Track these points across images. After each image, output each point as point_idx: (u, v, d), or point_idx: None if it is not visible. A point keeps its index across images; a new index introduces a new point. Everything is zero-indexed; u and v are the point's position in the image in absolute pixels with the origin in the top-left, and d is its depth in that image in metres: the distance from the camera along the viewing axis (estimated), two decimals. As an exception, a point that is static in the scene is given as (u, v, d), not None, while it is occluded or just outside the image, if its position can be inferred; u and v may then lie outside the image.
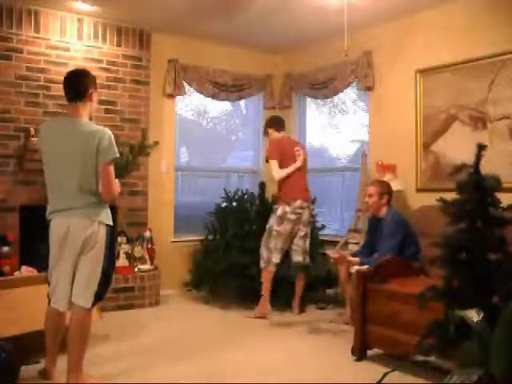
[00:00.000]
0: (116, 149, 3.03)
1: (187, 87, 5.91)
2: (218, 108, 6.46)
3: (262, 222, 4.97)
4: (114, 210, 5.32)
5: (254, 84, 6.33)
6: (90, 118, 3.20)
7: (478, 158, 2.28)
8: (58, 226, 3.04)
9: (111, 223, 3.13)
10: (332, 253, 4.66)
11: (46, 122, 3.65)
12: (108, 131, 3.04)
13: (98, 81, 5.13)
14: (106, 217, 3.08)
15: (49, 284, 3.11)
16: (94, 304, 3.03)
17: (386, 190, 4.29)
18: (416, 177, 5.02)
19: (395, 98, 5.26)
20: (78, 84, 3.11)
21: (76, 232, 2.98)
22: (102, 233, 3.03)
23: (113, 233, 3.32)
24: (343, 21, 4.41)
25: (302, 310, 4.87)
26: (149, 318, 4.69)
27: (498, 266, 2.22)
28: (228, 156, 6.64)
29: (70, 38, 5.14)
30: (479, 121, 4.53)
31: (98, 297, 3.05)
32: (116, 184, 3.08)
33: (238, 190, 5.53)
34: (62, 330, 3.13)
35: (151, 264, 5.25)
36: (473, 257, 2.23)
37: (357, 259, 4.22)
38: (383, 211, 4.26)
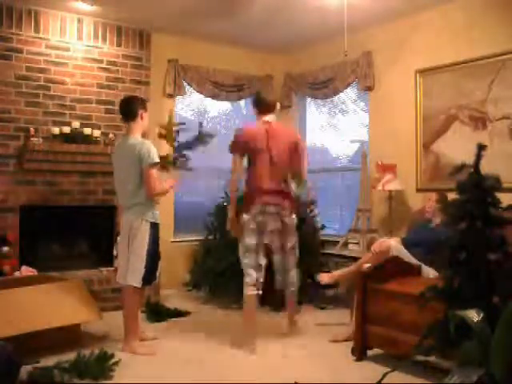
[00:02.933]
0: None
1: (187, 87, 5.91)
2: (218, 108, 6.46)
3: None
4: (113, 209, 5.37)
5: (254, 84, 6.33)
6: (144, 134, 3.88)
7: (478, 158, 2.28)
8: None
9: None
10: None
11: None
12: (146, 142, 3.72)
13: (97, 81, 5.26)
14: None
15: None
16: None
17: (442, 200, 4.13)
18: (416, 177, 5.02)
19: (395, 98, 5.26)
20: (127, 107, 3.83)
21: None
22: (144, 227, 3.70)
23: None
24: (343, 21, 4.41)
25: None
26: (149, 318, 4.69)
27: (498, 266, 2.22)
28: (228, 156, 6.63)
29: (70, 37, 5.14)
30: (479, 121, 4.53)
31: None
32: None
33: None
34: None
35: (151, 264, 5.23)
36: (473, 257, 2.23)
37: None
38: (437, 220, 4.17)
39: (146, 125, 3.89)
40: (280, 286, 4.13)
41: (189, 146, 4.25)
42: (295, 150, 3.98)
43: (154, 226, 3.75)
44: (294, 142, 4.00)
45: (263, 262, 3.91)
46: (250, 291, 3.85)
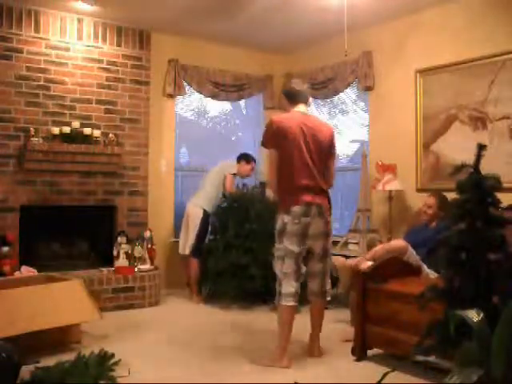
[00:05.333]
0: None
1: (187, 87, 5.91)
2: (218, 108, 6.47)
3: (263, 221, 4.96)
4: (113, 209, 5.38)
5: (254, 84, 6.33)
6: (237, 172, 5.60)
7: (478, 157, 2.28)
8: None
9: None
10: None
11: None
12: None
13: (98, 81, 5.27)
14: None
15: None
16: None
17: (443, 203, 4.13)
18: (416, 177, 5.02)
19: (395, 98, 5.26)
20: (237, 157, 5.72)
21: None
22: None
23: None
24: (343, 21, 4.41)
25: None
26: (149, 318, 4.69)
27: (498, 266, 2.22)
28: (228, 156, 6.63)
29: (70, 37, 5.15)
30: (479, 121, 4.53)
31: None
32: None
33: (237, 189, 5.53)
34: None
35: (151, 264, 5.25)
36: (473, 257, 2.23)
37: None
38: (433, 224, 4.19)
39: (241, 166, 5.58)
40: (314, 296, 3.65)
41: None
42: (330, 151, 3.63)
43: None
44: (332, 140, 3.64)
45: (303, 269, 3.50)
46: (292, 302, 3.41)
